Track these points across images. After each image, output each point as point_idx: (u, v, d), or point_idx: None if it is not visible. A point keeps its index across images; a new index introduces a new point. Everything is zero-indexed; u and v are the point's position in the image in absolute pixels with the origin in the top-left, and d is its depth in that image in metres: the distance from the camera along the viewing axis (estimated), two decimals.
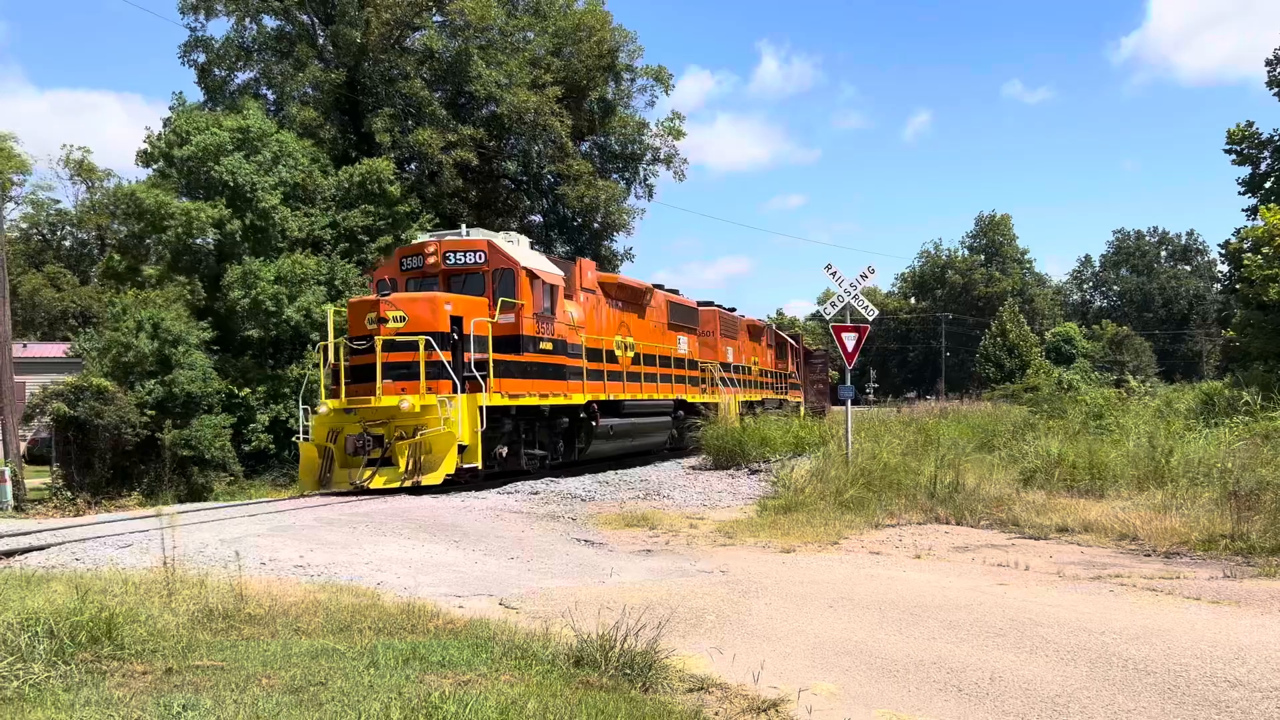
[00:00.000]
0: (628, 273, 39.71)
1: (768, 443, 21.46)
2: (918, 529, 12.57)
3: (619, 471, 20.30)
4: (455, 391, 15.58)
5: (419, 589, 8.14)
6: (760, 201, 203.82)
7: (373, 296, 16.62)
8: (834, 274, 18.61)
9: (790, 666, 6.24)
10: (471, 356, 15.99)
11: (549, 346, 18.00)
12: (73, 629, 5.38)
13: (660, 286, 25.42)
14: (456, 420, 15.28)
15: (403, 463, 15.11)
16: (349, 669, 5.23)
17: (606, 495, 16.27)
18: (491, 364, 16.13)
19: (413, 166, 36.70)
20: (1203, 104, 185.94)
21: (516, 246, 18.32)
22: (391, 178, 31.36)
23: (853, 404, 18.75)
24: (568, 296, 19.44)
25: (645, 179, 43.71)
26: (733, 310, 32.07)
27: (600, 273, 22.24)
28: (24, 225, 54.81)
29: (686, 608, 7.74)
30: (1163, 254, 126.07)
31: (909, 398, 74.52)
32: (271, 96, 37.48)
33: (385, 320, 15.79)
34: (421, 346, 15.34)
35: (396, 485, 14.98)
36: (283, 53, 37.13)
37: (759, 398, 32.60)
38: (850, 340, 18.23)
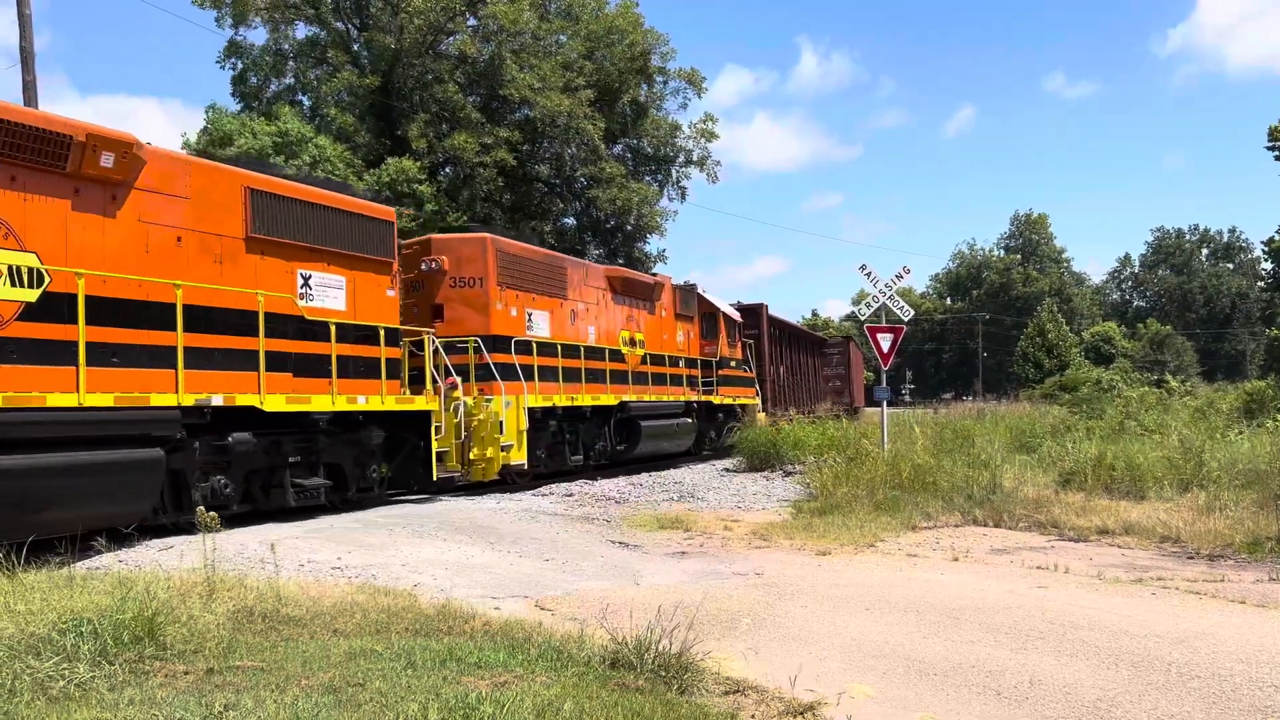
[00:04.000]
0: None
1: (802, 445, 21.36)
2: (955, 531, 12.46)
3: (652, 474, 20.27)
4: None
5: (455, 590, 8.18)
6: (799, 201, 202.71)
7: None
8: (869, 274, 18.52)
9: (827, 669, 6.20)
10: None
11: None
12: (115, 629, 5.45)
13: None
14: None
15: None
16: (387, 670, 5.27)
17: (641, 497, 16.28)
18: None
19: (447, 170, 36.97)
20: (1252, 97, 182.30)
21: None
22: (421, 177, 31.56)
23: (889, 405, 18.63)
24: None
25: (678, 181, 43.80)
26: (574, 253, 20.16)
27: None
28: None
29: (721, 610, 7.72)
30: (1204, 252, 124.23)
31: (945, 399, 74.02)
32: (307, 103, 37.91)
33: None
34: None
35: None
36: (317, 59, 37.56)
37: (616, 399, 19.55)
38: (885, 341, 18.13)
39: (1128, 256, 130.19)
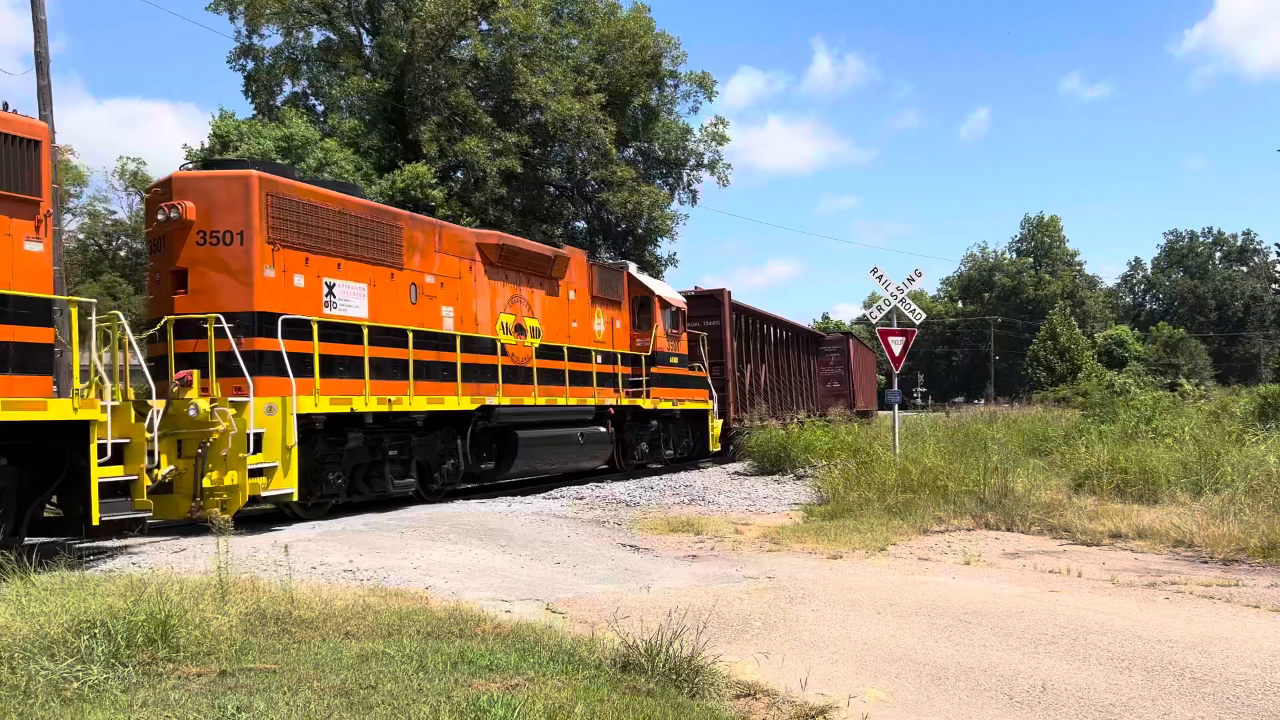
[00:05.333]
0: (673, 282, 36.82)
1: (813, 448, 21.34)
2: (967, 535, 12.41)
3: (663, 477, 20.27)
4: None
5: (466, 593, 8.19)
6: (813, 203, 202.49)
7: None
8: (880, 277, 18.49)
9: (838, 673, 6.19)
10: None
11: None
12: (129, 631, 5.48)
13: None
14: None
15: None
16: (398, 672, 5.28)
17: (652, 500, 16.29)
18: None
19: (458, 174, 37.08)
20: (1269, 98, 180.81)
21: None
22: (433, 182, 31.64)
23: (900, 408, 18.59)
24: None
25: (689, 184, 43.84)
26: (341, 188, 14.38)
27: None
28: (81, 236, 56.03)
29: (733, 613, 7.71)
30: (1217, 255, 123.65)
31: (957, 402, 73.82)
32: (320, 107, 38.10)
33: None
34: None
35: None
36: (330, 64, 37.73)
37: (474, 402, 14.98)
38: (897, 344, 18.10)
39: (1138, 260, 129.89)
